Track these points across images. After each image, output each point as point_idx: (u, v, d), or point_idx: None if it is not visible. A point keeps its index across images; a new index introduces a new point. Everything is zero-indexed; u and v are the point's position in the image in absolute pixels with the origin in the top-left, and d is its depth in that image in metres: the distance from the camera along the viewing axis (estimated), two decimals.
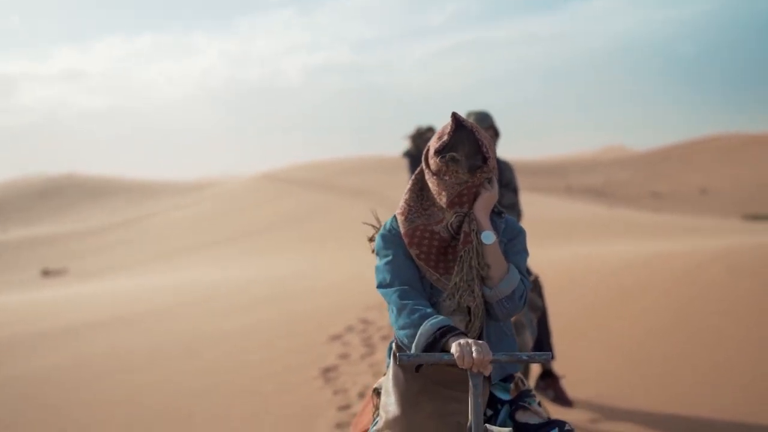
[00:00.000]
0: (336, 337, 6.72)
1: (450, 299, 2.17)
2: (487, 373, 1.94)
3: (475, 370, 1.92)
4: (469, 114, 4.38)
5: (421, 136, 6.94)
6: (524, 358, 2.00)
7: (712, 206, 38.22)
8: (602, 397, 4.84)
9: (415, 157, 6.71)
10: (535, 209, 22.43)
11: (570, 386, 4.77)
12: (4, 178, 70.76)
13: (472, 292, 2.16)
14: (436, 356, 1.97)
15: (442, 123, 4.56)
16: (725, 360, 5.32)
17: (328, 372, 5.70)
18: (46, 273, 20.66)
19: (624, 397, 4.81)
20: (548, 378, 4.51)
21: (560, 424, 2.07)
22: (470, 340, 1.95)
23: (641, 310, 6.71)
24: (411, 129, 6.83)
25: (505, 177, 4.49)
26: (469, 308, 2.18)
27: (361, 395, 5.08)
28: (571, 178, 45.27)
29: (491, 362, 1.94)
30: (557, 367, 4.89)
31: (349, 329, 6.98)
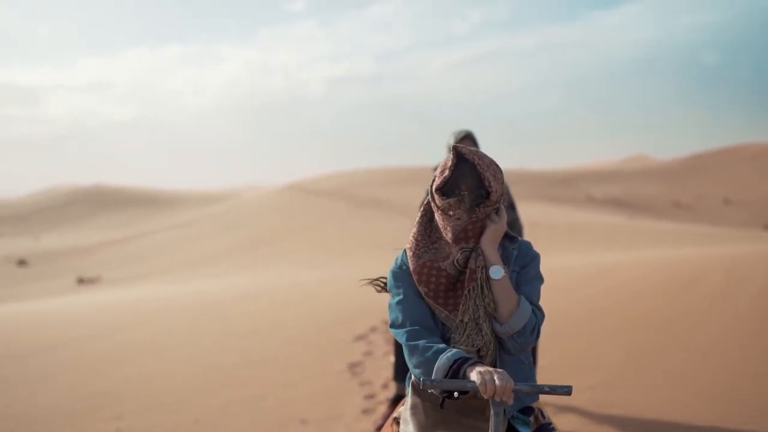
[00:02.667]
0: (361, 337, 7.22)
1: (457, 341, 2.15)
2: (510, 402, 1.94)
3: (497, 398, 1.93)
4: (453, 134, 4.66)
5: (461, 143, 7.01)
6: (546, 389, 1.98)
7: (735, 216, 38.24)
8: (615, 400, 5.25)
9: None
10: (553, 219, 22.80)
11: (579, 385, 5.19)
12: (34, 188, 72.05)
13: (480, 330, 2.14)
14: (458, 382, 1.97)
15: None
16: (732, 363, 5.74)
17: (354, 366, 6.21)
18: (81, 281, 21.37)
19: (634, 402, 5.08)
20: None
21: None
22: (490, 368, 1.96)
23: (652, 311, 7.14)
24: (445, 137, 6.89)
25: None
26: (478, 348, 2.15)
27: (385, 387, 5.57)
28: (593, 188, 45.42)
29: (513, 391, 1.95)
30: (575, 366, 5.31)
31: (373, 330, 7.48)
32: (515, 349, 2.15)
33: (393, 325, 2.23)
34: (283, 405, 5.38)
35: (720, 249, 12.40)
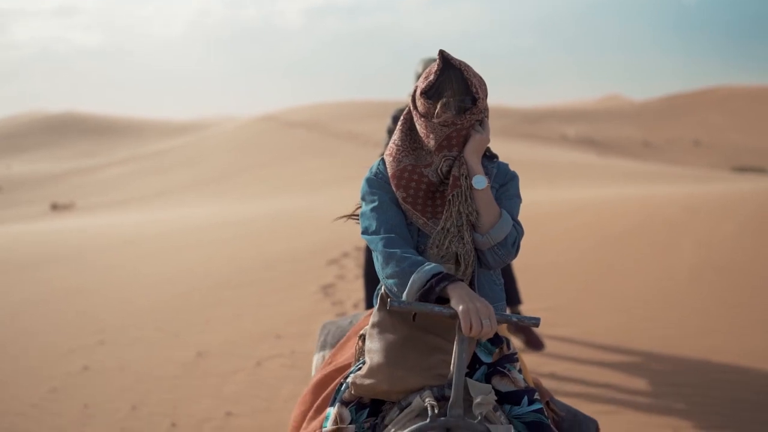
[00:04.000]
0: (333, 261, 7.55)
1: (438, 247, 2.08)
2: (486, 339, 1.92)
3: (483, 339, 1.93)
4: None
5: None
6: (514, 320, 1.95)
7: (703, 158, 38.85)
8: (594, 343, 5.51)
9: None
10: (525, 155, 23.16)
11: (567, 334, 5.37)
12: (2, 113, 70.77)
13: (462, 238, 2.07)
14: (431, 307, 1.91)
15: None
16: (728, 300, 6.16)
17: (326, 288, 6.55)
18: (54, 207, 21.43)
19: (622, 340, 5.08)
20: None
21: (530, 392, 2.02)
22: (477, 304, 1.87)
23: (639, 256, 7.53)
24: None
25: None
26: (457, 255, 2.08)
27: (356, 306, 5.92)
28: (566, 126, 45.76)
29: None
30: (552, 315, 5.60)
31: (345, 255, 7.80)
32: (494, 263, 2.10)
33: (365, 232, 2.14)
34: (260, 322, 5.72)
35: (681, 187, 12.85)
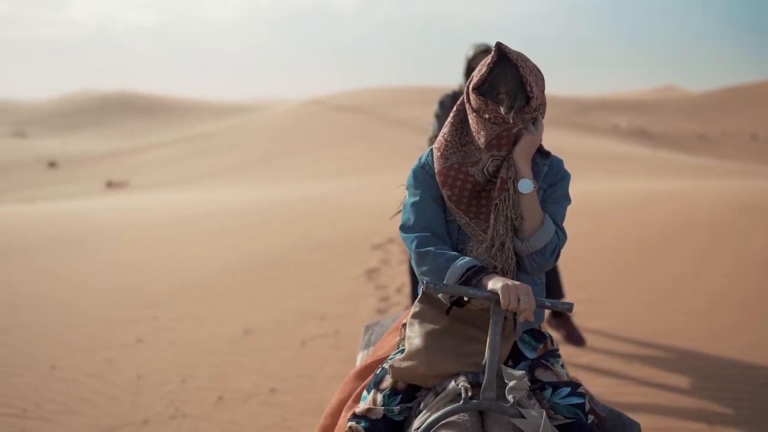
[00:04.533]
0: (378, 246, 7.68)
1: (478, 250, 2.07)
2: (531, 320, 1.90)
3: (521, 319, 1.89)
4: (473, 46, 4.37)
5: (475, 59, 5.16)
6: (547, 304, 1.91)
7: (760, 152, 37.93)
8: (632, 336, 5.40)
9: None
10: (575, 146, 22.93)
11: (604, 326, 5.46)
12: (61, 91, 72.62)
13: (503, 245, 2.05)
14: (467, 289, 1.91)
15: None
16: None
17: (371, 272, 6.68)
18: (109, 184, 22.00)
19: (660, 334, 5.11)
20: (559, 316, 4.69)
21: (574, 385, 2.00)
22: (516, 283, 1.87)
23: (683, 248, 7.50)
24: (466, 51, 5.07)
25: None
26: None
27: (399, 291, 6.04)
28: (619, 117, 45.06)
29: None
30: (590, 306, 5.64)
31: (390, 240, 7.92)
32: (532, 269, 2.07)
33: (403, 227, 2.12)
34: (305, 303, 5.88)
35: (732, 183, 12.62)
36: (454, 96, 4.59)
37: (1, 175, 26.38)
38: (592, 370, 4.38)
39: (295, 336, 5.08)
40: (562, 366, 2.10)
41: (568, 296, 5.35)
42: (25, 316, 5.69)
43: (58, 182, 24.34)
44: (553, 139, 22.38)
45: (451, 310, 2.06)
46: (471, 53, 4.39)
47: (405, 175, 2.38)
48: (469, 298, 1.99)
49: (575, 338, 4.65)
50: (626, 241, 7.55)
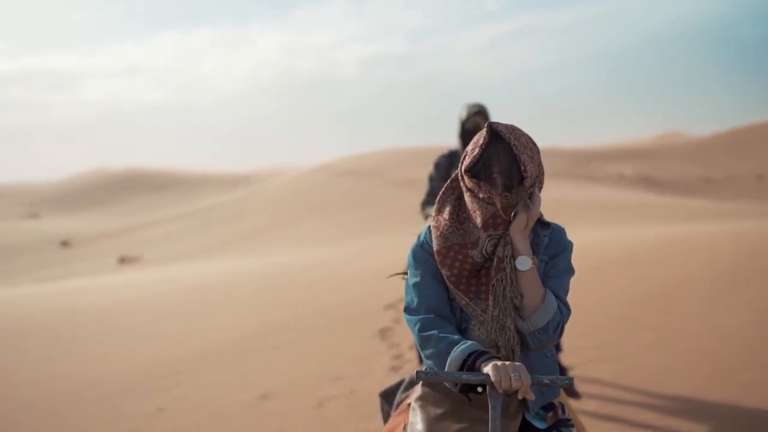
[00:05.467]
0: (390, 306, 7.81)
1: (480, 331, 2.06)
2: (531, 398, 1.85)
3: (520, 396, 1.83)
4: (466, 107, 4.47)
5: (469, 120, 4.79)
6: (545, 381, 1.87)
7: (767, 192, 37.98)
8: (672, 398, 5.71)
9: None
10: (580, 197, 23.13)
11: (637, 386, 5.55)
12: (73, 171, 73.69)
13: (503, 327, 2.02)
14: (460, 375, 1.87)
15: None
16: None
17: (384, 331, 6.81)
18: (122, 260, 22.26)
19: (668, 386, 5.10)
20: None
21: None
22: (507, 362, 1.85)
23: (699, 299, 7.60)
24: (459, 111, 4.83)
25: None
26: (497, 344, 2.05)
27: (411, 348, 6.15)
28: (623, 165, 45.37)
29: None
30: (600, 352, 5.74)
31: (401, 299, 8.05)
32: (535, 346, 2.03)
33: (407, 309, 2.11)
34: (320, 365, 6.00)
35: (741, 225, 12.73)
36: (450, 156, 4.70)
37: (15, 257, 26.73)
38: (598, 417, 4.46)
39: (311, 397, 5.19)
40: None
41: (578, 342, 5.45)
42: (50, 389, 5.83)
43: (72, 260, 24.63)
44: (556, 191, 22.60)
45: (462, 396, 2.01)
46: (464, 114, 4.46)
47: (412, 233, 2.44)
48: (484, 386, 1.93)
49: (570, 392, 4.62)
50: (637, 290, 7.66)
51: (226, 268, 14.39)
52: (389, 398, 2.80)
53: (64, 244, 29.33)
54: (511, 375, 1.80)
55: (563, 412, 2.10)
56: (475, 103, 4.49)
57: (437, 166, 4.66)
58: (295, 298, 9.04)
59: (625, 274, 8.35)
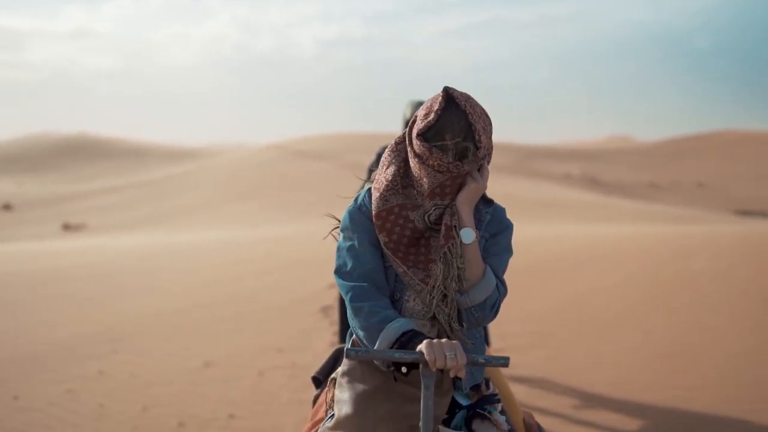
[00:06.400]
0: (333, 285, 7.94)
1: (421, 302, 1.96)
2: (462, 376, 1.77)
3: (451, 375, 1.75)
4: (411, 104, 4.33)
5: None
6: (480, 360, 1.80)
7: (707, 200, 39.16)
8: (597, 386, 5.07)
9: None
10: (528, 193, 23.58)
11: (563, 373, 5.45)
12: (17, 134, 71.70)
13: (445, 297, 1.92)
14: (392, 353, 1.77)
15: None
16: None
17: (326, 309, 6.96)
18: (66, 227, 21.91)
19: (619, 385, 5.00)
20: None
21: None
22: (443, 340, 1.75)
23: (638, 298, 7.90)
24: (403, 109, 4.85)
25: None
26: (434, 314, 1.94)
27: None
28: (572, 165, 46.22)
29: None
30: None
31: None
32: (469, 323, 1.95)
33: (339, 272, 1.99)
34: (263, 337, 6.13)
35: (680, 228, 13.21)
36: None
37: None
38: (547, 413, 4.68)
39: (253, 367, 5.32)
40: (502, 411, 2.01)
41: (522, 340, 5.68)
42: None
43: (13, 224, 24.13)
44: (503, 185, 23.01)
45: (391, 373, 1.94)
46: (408, 114, 4.33)
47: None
48: (412, 365, 1.82)
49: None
50: (583, 290, 7.95)
51: (171, 239, 14.34)
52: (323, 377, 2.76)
53: (6, 207, 28.67)
54: (447, 353, 1.71)
55: (487, 386, 2.06)
56: (420, 100, 4.31)
57: (379, 156, 4.50)
58: (240, 274, 9.11)
59: (564, 271, 8.65)
